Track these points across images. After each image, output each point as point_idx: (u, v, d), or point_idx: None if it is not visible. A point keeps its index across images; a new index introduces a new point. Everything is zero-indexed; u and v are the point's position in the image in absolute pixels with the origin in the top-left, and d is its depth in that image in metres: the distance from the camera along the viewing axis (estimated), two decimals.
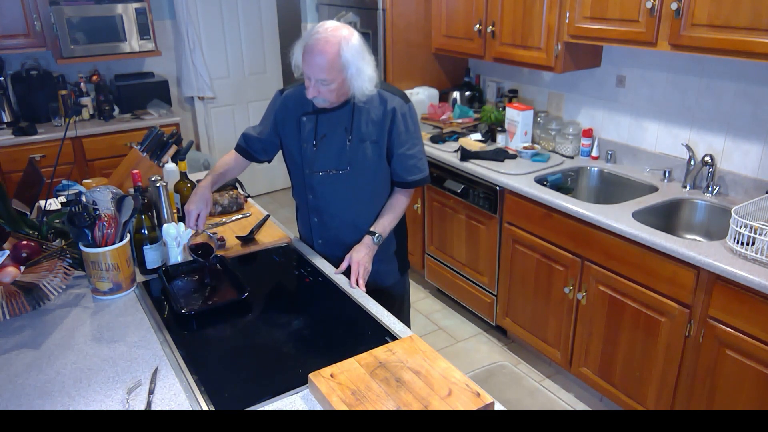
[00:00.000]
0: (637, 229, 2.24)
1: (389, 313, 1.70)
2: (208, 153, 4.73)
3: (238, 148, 2.10)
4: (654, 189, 2.65)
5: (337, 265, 1.96)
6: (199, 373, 1.43)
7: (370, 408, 1.26)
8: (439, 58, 3.77)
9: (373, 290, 1.90)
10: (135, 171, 1.99)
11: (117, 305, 1.75)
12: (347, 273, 1.91)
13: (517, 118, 3.13)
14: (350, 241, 1.99)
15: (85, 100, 3.99)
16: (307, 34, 1.80)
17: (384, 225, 1.99)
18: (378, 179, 2.00)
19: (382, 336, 1.58)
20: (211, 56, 4.60)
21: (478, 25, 3.18)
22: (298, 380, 1.41)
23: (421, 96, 3.68)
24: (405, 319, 2.25)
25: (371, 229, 1.97)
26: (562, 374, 2.89)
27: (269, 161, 2.14)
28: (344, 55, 1.75)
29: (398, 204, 2.03)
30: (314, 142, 1.95)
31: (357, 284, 1.85)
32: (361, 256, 1.90)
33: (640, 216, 2.37)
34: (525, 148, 3.06)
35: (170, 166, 2.34)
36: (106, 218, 1.75)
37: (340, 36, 1.75)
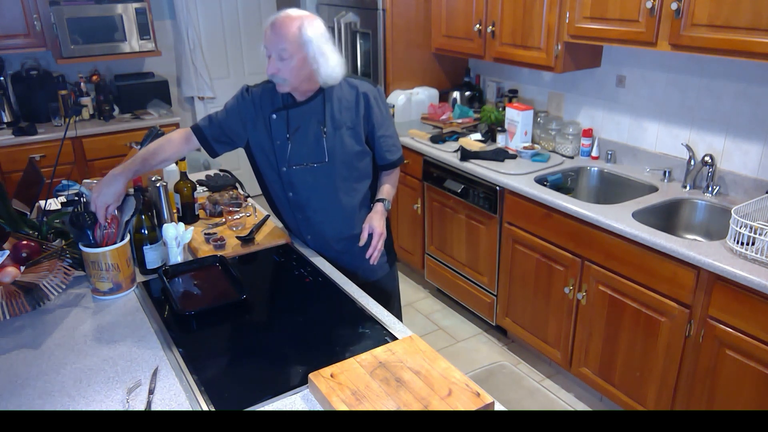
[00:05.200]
0: (637, 229, 2.24)
1: (389, 313, 1.70)
2: None
3: (197, 129, 1.97)
4: (654, 189, 2.65)
5: (331, 262, 2.00)
6: (199, 373, 1.43)
7: (370, 408, 1.26)
8: (439, 58, 3.77)
9: (362, 284, 1.91)
10: None
11: (117, 305, 1.75)
12: (358, 252, 1.99)
13: (517, 118, 3.13)
14: (339, 234, 2.03)
15: (85, 100, 3.99)
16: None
17: (389, 191, 2.08)
18: (358, 166, 2.01)
19: (382, 336, 1.58)
20: (211, 56, 4.60)
21: (478, 25, 3.18)
22: (298, 380, 1.41)
23: (421, 96, 3.68)
24: (396, 311, 2.26)
25: (379, 196, 2.04)
26: (562, 374, 2.89)
27: (213, 157, 2.03)
28: (305, 31, 1.78)
29: (393, 176, 2.12)
30: (287, 136, 1.92)
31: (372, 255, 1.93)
32: (382, 224, 1.97)
33: (640, 216, 2.37)
34: (525, 148, 3.06)
35: (170, 166, 2.34)
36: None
37: (303, 14, 1.81)
